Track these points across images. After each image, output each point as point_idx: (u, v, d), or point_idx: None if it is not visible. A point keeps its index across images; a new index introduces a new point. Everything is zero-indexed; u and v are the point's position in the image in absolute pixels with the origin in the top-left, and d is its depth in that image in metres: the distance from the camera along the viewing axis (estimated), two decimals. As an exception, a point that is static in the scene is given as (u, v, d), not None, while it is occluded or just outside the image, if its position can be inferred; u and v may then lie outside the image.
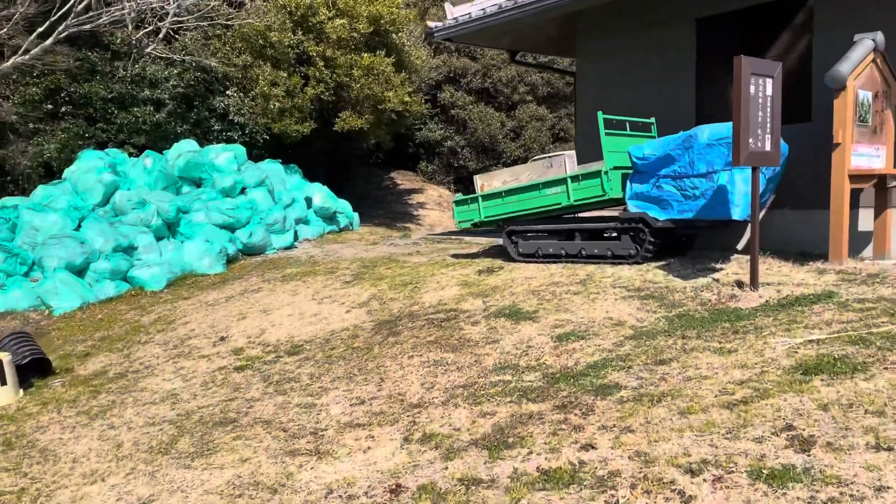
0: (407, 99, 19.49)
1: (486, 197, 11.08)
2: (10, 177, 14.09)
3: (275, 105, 17.49)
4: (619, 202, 10.23)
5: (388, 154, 32.68)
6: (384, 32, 19.75)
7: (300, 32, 18.09)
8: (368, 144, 22.33)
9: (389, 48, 19.56)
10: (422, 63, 21.74)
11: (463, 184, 32.27)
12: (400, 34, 20.39)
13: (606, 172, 9.73)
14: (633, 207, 9.57)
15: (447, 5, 13.00)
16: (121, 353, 9.15)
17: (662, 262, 9.37)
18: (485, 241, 14.77)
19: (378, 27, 19.19)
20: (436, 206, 27.85)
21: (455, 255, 12.55)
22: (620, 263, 9.63)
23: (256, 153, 19.48)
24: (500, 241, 14.52)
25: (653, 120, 10.94)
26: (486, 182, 11.32)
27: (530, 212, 10.61)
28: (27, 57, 12.28)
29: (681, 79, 11.33)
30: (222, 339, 9.18)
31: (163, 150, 15.46)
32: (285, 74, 17.74)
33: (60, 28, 12.42)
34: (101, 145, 15.01)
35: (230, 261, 14.04)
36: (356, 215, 19.64)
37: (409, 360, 7.07)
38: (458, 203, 11.64)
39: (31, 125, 13.98)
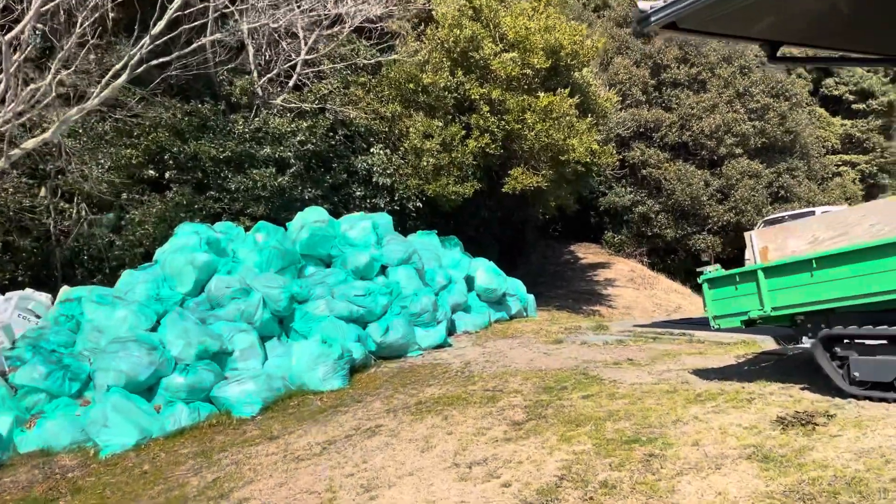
0: (595, 147, 14.56)
1: (776, 270, 5.68)
2: (103, 262, 10.87)
3: (428, 161, 13.31)
4: None
5: (568, 224, 27.61)
6: (564, 70, 15.17)
7: (460, 72, 13.95)
8: (547, 209, 17.48)
9: (572, 89, 14.90)
10: (611, 106, 16.79)
11: (657, 255, 26.33)
12: (584, 71, 15.72)
13: None
14: None
15: (671, -28, 8.08)
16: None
17: None
18: (734, 340, 9.16)
19: (557, 62, 14.65)
20: (628, 282, 22.21)
21: (699, 372, 7.16)
22: None
23: (410, 224, 15.41)
24: (762, 338, 8.85)
25: None
26: (774, 243, 5.92)
27: (882, 300, 5.08)
28: (97, 101, 8.96)
29: None
30: (275, 559, 4.51)
31: (287, 221, 11.67)
32: (441, 124, 13.59)
33: (133, 62, 9.01)
34: (214, 217, 11.55)
35: (356, 369, 9.60)
36: (531, 298, 14.71)
37: None
38: (712, 283, 6.27)
39: (124, 195, 10.79)
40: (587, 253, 25.73)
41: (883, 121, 31.01)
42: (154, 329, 9.13)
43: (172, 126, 11.21)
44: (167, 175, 11.25)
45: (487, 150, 13.90)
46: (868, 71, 31.52)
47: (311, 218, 11.28)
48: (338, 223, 11.74)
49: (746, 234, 6.23)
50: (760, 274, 5.69)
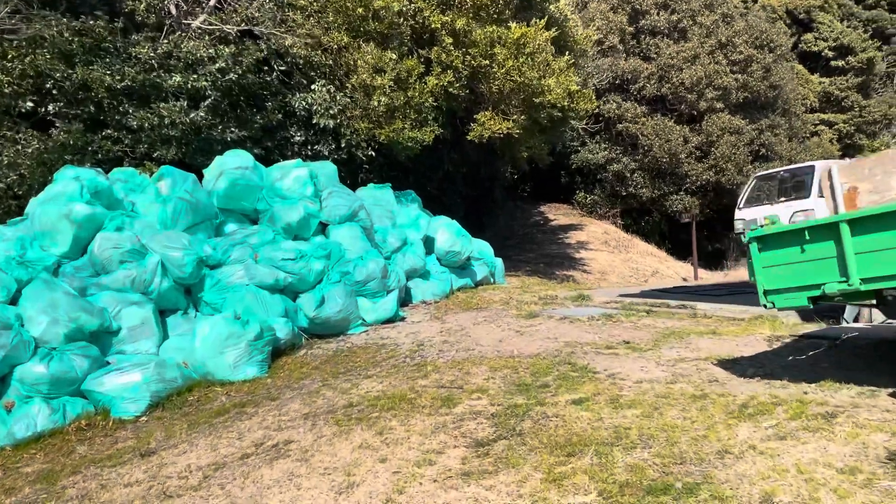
0: (573, 88, 12.49)
1: (872, 223, 3.72)
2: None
3: (379, 101, 11.10)
4: None
5: (538, 183, 25.68)
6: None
7: (418, -4, 11.68)
8: (517, 161, 15.44)
9: (548, 21, 12.72)
10: (590, 46, 14.67)
11: (631, 216, 24.57)
12: (561, 2, 13.55)
13: None
14: None
15: None
16: None
17: None
18: (747, 314, 7.30)
19: (530, -12, 12.46)
20: (602, 245, 20.41)
21: (727, 364, 5.26)
22: None
23: (362, 177, 13.24)
24: (781, 312, 7.00)
25: None
26: (868, 182, 3.92)
27: None
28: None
29: None
30: None
31: (204, 168, 9.39)
32: (395, 57, 11.34)
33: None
34: (114, 162, 9.25)
35: (281, 351, 7.55)
36: (499, 262, 12.76)
37: None
38: (764, 243, 4.26)
39: (-9, 131, 8.43)
40: (558, 214, 23.88)
41: (861, 78, 29.46)
42: (14, 302, 6.92)
43: (57, 47, 8.78)
44: (50, 108, 8.86)
45: (450, 89, 11.72)
46: (848, 26, 29.89)
47: (232, 164, 9.03)
48: (266, 170, 9.52)
49: (822, 168, 4.27)
50: (845, 228, 3.73)
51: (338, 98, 11.09)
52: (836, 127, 29.14)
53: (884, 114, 28.57)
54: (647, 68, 22.18)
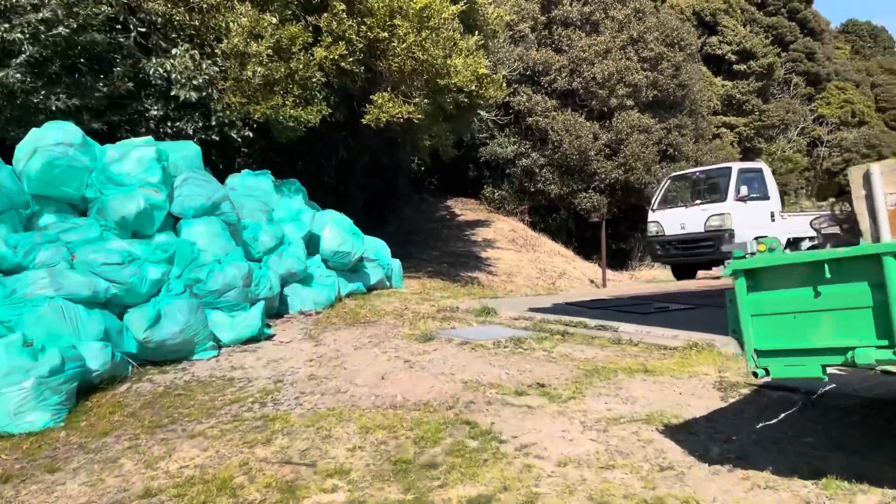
0: (482, 71, 11.00)
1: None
2: None
3: (255, 72, 9.18)
4: None
5: (445, 176, 24.13)
6: (446, -31, 11.37)
7: (306, -47, 9.82)
8: (419, 152, 13.81)
9: (455, -6, 11.14)
10: (501, 28, 13.22)
11: (538, 213, 23.49)
12: (471, -26, 12.00)
13: None
14: None
15: None
16: None
17: None
18: (679, 341, 6.00)
19: (437, -45, 10.81)
20: (509, 243, 19.14)
21: (675, 433, 3.86)
22: None
23: (240, 162, 11.26)
24: (720, 339, 5.70)
25: None
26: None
27: None
28: None
29: None
30: None
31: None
32: (275, 21, 9.45)
33: None
34: None
35: (96, 386, 5.61)
36: (397, 263, 11.13)
37: None
38: (758, 280, 2.80)
39: None
40: (465, 209, 22.49)
41: (762, 83, 29.76)
42: None
43: None
44: None
45: (342, 64, 9.96)
46: (751, 31, 30.11)
47: (51, 139, 6.90)
48: (102, 150, 7.45)
49: (854, 171, 2.89)
50: (891, 264, 2.35)
51: (204, 66, 9.09)
52: (736, 130, 29.31)
53: (781, 118, 28.98)
54: (558, 60, 21.10)
